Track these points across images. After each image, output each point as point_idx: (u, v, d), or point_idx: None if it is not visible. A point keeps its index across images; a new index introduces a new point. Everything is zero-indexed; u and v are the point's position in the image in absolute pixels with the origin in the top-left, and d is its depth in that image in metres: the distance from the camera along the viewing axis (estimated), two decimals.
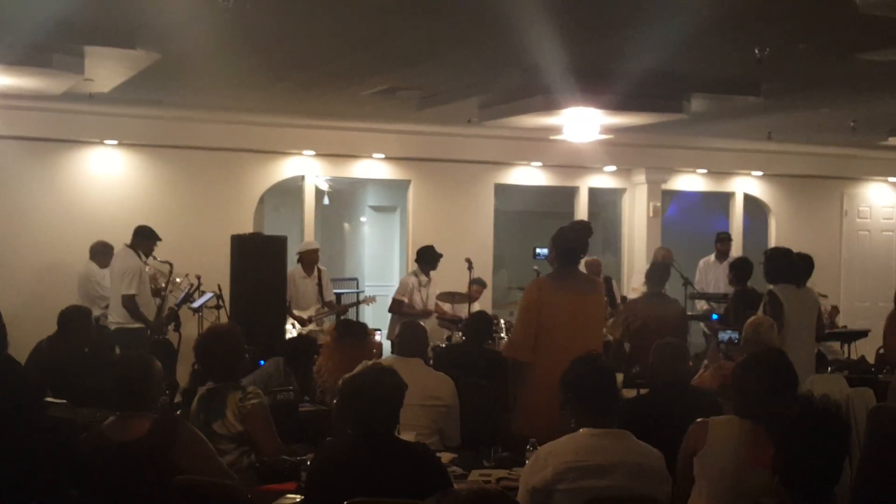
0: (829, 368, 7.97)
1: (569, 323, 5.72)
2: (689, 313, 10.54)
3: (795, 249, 7.46)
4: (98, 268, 9.64)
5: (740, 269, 8.85)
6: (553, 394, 5.22)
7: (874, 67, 7.45)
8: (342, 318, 9.41)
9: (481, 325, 7.75)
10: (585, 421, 3.88)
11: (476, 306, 10.38)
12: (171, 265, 9.66)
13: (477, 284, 10.72)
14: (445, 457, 4.84)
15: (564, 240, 5.92)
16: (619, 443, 3.85)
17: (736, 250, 12.13)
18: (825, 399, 3.16)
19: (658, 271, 8.21)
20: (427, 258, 10.32)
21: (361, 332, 6.66)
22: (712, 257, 11.51)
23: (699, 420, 4.08)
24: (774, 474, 3.15)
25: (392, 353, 5.91)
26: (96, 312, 9.10)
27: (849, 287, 14.03)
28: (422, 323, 10.07)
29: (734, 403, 4.12)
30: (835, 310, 10.76)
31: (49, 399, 5.67)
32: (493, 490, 2.19)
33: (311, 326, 9.93)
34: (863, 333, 10.10)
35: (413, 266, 10.79)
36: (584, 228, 6.05)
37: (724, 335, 7.13)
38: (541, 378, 5.59)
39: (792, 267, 7.13)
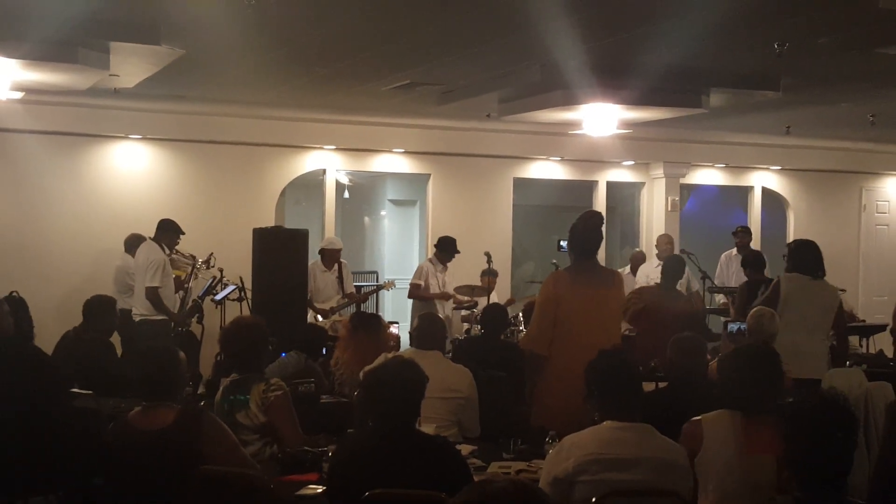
0: (848, 363, 7.97)
1: (586, 316, 5.73)
2: (707, 307, 10.62)
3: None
4: (133, 259, 9.74)
5: (751, 264, 8.98)
6: (570, 386, 5.27)
7: (894, 62, 7.44)
8: (356, 311, 9.50)
9: (496, 317, 7.80)
10: (609, 414, 3.91)
11: (494, 296, 10.47)
12: (194, 258, 9.77)
13: (490, 275, 10.78)
14: (465, 449, 4.87)
15: (576, 233, 5.95)
16: (642, 437, 3.87)
17: (754, 244, 12.14)
18: (833, 392, 3.20)
19: (672, 269, 8.25)
20: (446, 247, 10.55)
21: (375, 324, 6.70)
22: (734, 251, 11.53)
23: (691, 420, 4.08)
24: (786, 468, 3.19)
25: (410, 345, 5.94)
26: (130, 303, 9.23)
27: (867, 281, 14.01)
28: (440, 315, 10.25)
29: (722, 396, 4.16)
30: (851, 316, 10.73)
31: (75, 389, 5.76)
32: (530, 483, 2.25)
33: (335, 317, 10.04)
34: (881, 328, 10.07)
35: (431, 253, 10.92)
36: (592, 218, 6.04)
37: (734, 326, 7.19)
38: (558, 370, 5.62)
39: (807, 259, 7.16)
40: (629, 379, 4.01)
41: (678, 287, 8.50)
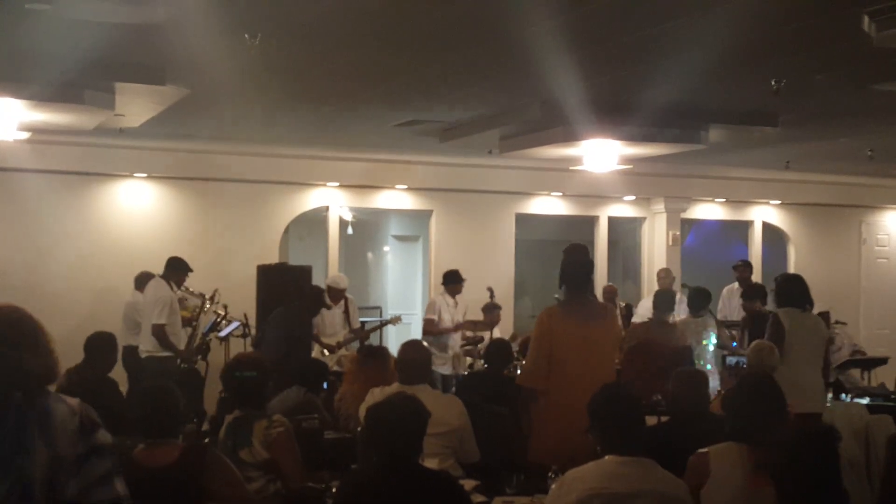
0: (850, 396, 7.99)
1: (580, 350, 5.74)
2: None
3: (814, 278, 7.53)
4: (142, 296, 9.77)
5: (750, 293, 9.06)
6: (568, 420, 5.28)
7: (890, 98, 7.52)
8: (364, 344, 9.52)
9: (500, 352, 7.82)
10: (611, 448, 3.92)
11: (497, 331, 10.50)
12: (203, 296, 9.79)
13: (488, 312, 10.77)
14: (468, 484, 4.87)
15: (564, 268, 6.00)
16: (644, 471, 3.88)
17: (755, 279, 12.16)
18: (820, 425, 3.24)
19: (663, 299, 8.28)
20: (451, 279, 10.63)
21: (383, 356, 6.70)
22: (735, 285, 11.55)
23: (699, 451, 4.11)
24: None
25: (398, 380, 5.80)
26: (137, 340, 9.24)
27: (868, 315, 14.03)
28: (449, 352, 10.28)
29: (728, 428, 4.19)
30: (861, 354, 10.74)
31: None
32: None
33: (342, 352, 10.06)
34: (882, 360, 10.09)
35: (439, 289, 10.96)
36: (576, 252, 6.08)
37: (732, 360, 7.23)
38: (555, 405, 5.63)
39: (795, 292, 7.19)
40: (630, 413, 4.02)
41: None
